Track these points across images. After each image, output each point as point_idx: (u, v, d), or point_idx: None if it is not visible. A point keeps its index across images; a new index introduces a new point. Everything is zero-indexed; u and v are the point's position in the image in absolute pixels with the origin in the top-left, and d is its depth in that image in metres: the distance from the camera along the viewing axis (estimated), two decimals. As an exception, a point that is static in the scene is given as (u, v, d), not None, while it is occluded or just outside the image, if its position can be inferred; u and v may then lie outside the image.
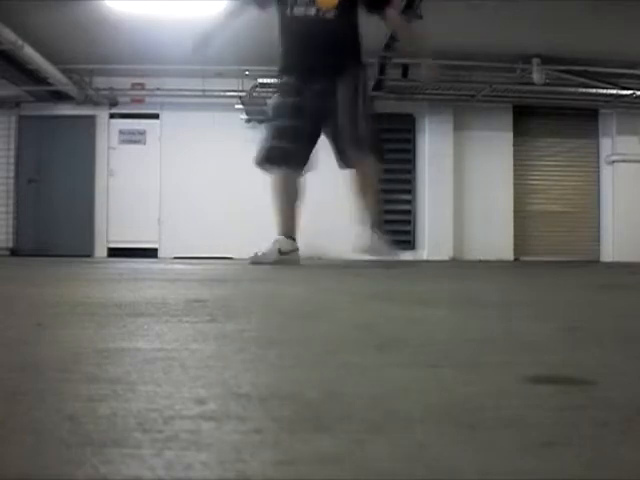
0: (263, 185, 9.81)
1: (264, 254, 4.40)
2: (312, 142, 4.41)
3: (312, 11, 4.23)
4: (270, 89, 8.72)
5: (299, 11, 4.26)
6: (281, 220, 4.55)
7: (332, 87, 4.28)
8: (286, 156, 4.33)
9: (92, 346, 0.88)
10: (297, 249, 4.55)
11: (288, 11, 4.30)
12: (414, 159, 9.64)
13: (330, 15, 4.25)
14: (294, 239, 4.54)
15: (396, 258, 4.48)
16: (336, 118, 4.28)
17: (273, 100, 4.55)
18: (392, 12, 4.46)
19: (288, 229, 4.51)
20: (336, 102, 4.28)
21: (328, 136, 4.43)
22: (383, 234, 4.51)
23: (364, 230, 4.48)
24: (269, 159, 4.40)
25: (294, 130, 4.29)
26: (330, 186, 9.47)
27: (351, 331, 1.09)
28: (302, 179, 4.53)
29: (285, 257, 4.40)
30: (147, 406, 0.55)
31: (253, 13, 4.62)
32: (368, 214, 4.50)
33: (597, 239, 10.04)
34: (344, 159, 4.43)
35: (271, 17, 4.58)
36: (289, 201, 4.54)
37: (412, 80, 8.75)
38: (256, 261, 4.36)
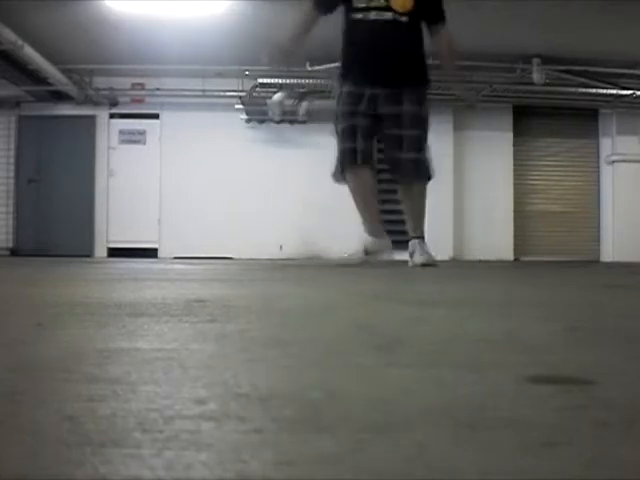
0: (263, 185, 9.83)
1: (350, 255, 4.36)
2: (370, 137, 4.35)
3: (388, 15, 4.13)
4: (270, 89, 8.74)
5: (374, 15, 4.15)
6: (365, 219, 4.44)
7: (398, 95, 4.21)
8: (351, 154, 4.27)
9: (92, 346, 0.88)
10: (385, 247, 4.48)
11: (359, 14, 4.18)
12: (414, 159, 9.64)
13: (404, 19, 4.17)
14: (380, 237, 4.44)
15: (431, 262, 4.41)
16: (398, 129, 4.23)
17: (340, 107, 4.41)
18: (445, 28, 4.39)
19: (373, 228, 4.41)
20: (401, 112, 4.22)
21: (386, 143, 4.39)
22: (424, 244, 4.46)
23: (413, 242, 4.43)
24: (341, 163, 4.34)
25: (353, 129, 4.24)
26: (334, 187, 9.49)
27: (351, 331, 1.09)
28: (375, 175, 4.46)
29: (370, 257, 4.33)
30: (147, 406, 0.55)
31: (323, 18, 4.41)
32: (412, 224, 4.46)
33: (597, 239, 10.04)
34: (396, 172, 4.38)
35: (334, 19, 4.42)
36: (369, 199, 4.45)
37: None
38: (342, 262, 4.34)
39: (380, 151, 4.73)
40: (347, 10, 4.22)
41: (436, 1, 4.33)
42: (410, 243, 4.45)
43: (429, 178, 4.43)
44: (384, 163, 4.49)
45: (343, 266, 4.24)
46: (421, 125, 4.33)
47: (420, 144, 4.31)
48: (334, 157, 4.43)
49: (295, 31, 4.44)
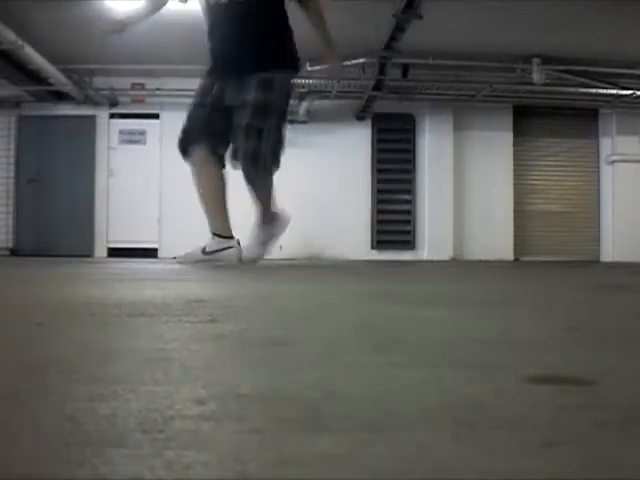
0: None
1: (188, 253, 4.29)
2: (222, 123, 4.20)
3: None
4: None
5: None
6: (210, 217, 4.40)
7: (240, 84, 4.06)
8: (198, 132, 4.20)
9: (92, 346, 0.88)
10: (228, 247, 4.33)
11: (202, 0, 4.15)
12: (414, 159, 9.65)
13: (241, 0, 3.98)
14: (226, 236, 4.35)
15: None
16: (239, 118, 4.08)
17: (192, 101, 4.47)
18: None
19: (218, 226, 4.32)
20: (242, 101, 4.07)
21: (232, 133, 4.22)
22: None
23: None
24: (183, 141, 4.27)
25: (201, 114, 4.28)
26: (333, 187, 9.51)
27: (351, 331, 1.09)
28: (224, 171, 4.38)
29: (208, 257, 4.22)
30: (147, 406, 0.55)
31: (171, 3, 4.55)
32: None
33: (597, 239, 10.04)
34: (239, 164, 4.30)
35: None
36: (216, 194, 4.40)
37: (412, 80, 8.75)
38: (180, 260, 4.29)
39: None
40: None
41: None
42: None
43: (269, 175, 4.36)
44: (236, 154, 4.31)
45: (181, 263, 4.20)
46: (265, 113, 4.09)
47: (260, 135, 4.11)
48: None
49: (140, 10, 4.61)
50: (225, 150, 4.27)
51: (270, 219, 4.35)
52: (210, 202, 4.28)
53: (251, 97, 4.04)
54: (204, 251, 4.20)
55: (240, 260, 4.24)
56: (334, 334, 1.04)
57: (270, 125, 4.11)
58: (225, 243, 4.30)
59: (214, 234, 4.27)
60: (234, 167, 4.32)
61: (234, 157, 4.25)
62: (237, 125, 4.11)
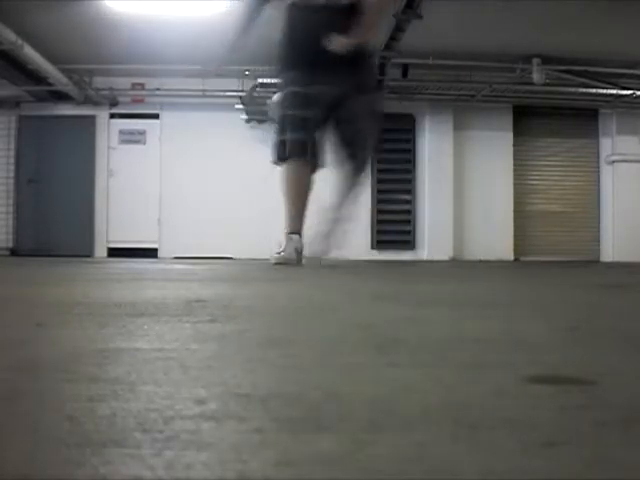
0: (262, 185, 9.82)
1: (285, 255, 4.18)
2: (323, 132, 4.24)
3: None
4: (270, 89, 8.73)
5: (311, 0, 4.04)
6: (296, 217, 4.28)
7: (347, 82, 4.09)
8: (303, 147, 4.13)
9: (92, 346, 0.88)
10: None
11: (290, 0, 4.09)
12: (414, 159, 9.65)
13: (343, 2, 4.04)
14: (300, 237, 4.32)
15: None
16: (350, 114, 4.13)
17: (280, 94, 4.29)
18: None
19: (300, 227, 4.28)
20: (352, 99, 4.12)
21: (335, 130, 4.26)
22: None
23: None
24: (288, 152, 4.18)
25: (308, 120, 4.10)
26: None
27: (351, 331, 1.09)
28: (314, 175, 4.32)
29: (301, 257, 4.23)
30: (147, 406, 0.55)
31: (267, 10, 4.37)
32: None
33: (597, 239, 10.04)
34: (345, 158, 4.26)
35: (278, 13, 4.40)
36: (303, 198, 4.28)
37: (412, 80, 8.75)
38: (279, 262, 4.16)
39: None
40: None
41: None
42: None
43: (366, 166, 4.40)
44: (334, 150, 4.34)
45: (280, 265, 4.15)
46: (374, 118, 4.24)
47: (371, 136, 4.25)
48: (276, 137, 4.30)
49: (238, 24, 4.47)
50: (320, 155, 4.29)
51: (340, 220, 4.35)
52: (296, 201, 4.26)
53: (359, 100, 4.14)
54: (297, 251, 4.18)
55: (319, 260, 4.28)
56: (334, 334, 1.04)
57: (374, 127, 4.29)
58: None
59: (299, 234, 4.23)
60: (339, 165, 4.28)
61: (352, 156, 4.23)
62: (346, 126, 4.17)
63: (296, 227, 4.23)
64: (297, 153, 4.15)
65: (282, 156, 4.22)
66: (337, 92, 4.11)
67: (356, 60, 4.13)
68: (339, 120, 4.20)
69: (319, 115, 4.14)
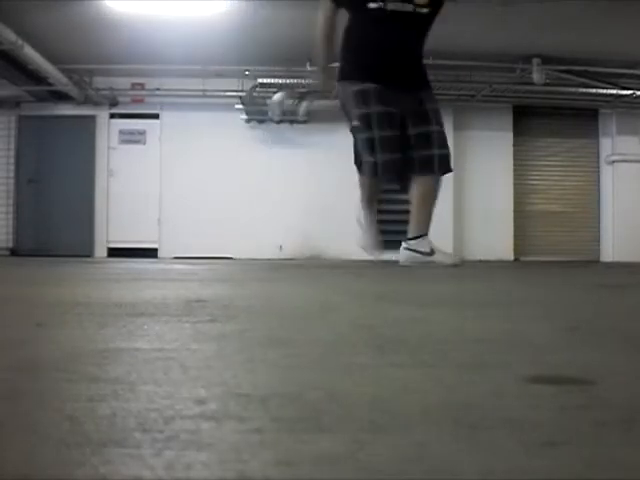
0: (263, 185, 9.81)
1: (440, 255, 4.25)
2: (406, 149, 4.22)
3: (409, 7, 3.89)
4: (270, 89, 8.74)
5: (394, 6, 3.87)
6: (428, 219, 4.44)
7: (417, 93, 4.12)
8: (392, 167, 4.14)
9: (92, 346, 0.88)
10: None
11: (375, 5, 3.88)
12: (414, 159, 9.64)
13: (424, 11, 3.95)
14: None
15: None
16: (425, 126, 4.16)
17: (356, 109, 4.08)
18: None
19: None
20: (424, 110, 4.16)
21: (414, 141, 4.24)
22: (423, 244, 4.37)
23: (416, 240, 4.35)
24: (385, 173, 4.18)
25: (395, 140, 4.08)
26: (333, 187, 9.50)
27: (351, 331, 1.09)
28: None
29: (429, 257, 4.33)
30: (147, 406, 0.55)
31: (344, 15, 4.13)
32: (425, 222, 4.39)
33: (597, 239, 10.04)
34: (412, 171, 4.28)
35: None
36: (374, 202, 4.47)
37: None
38: (430, 262, 4.21)
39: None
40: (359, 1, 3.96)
41: None
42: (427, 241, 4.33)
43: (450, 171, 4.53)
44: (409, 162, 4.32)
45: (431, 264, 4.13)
46: (442, 122, 4.41)
47: (445, 137, 4.41)
48: (365, 153, 4.17)
49: (322, 38, 4.13)
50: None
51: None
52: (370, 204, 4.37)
53: (430, 106, 4.23)
54: (426, 253, 4.22)
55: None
56: (334, 334, 1.04)
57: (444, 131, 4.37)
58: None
59: (426, 235, 4.32)
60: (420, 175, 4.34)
61: (432, 170, 4.32)
62: (421, 133, 4.20)
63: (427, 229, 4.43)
64: (389, 173, 4.20)
65: (373, 175, 4.18)
66: (410, 108, 4.11)
67: (423, 72, 4.20)
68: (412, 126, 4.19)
69: (401, 132, 4.14)
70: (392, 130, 4.09)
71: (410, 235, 4.34)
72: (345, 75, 4.12)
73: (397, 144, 4.11)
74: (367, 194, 4.39)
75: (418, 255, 4.27)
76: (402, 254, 4.33)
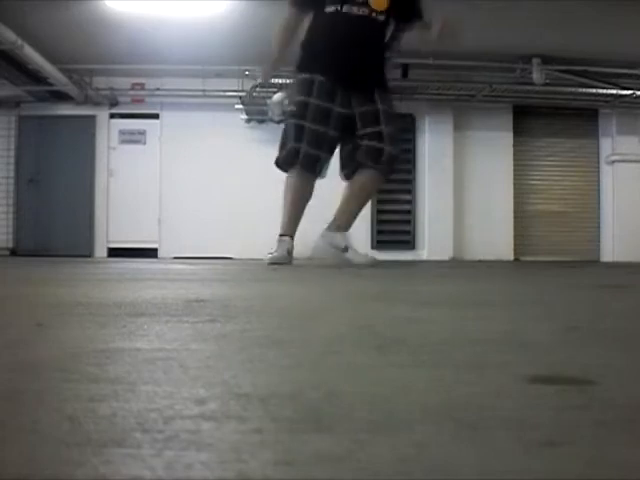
0: (263, 185, 9.83)
1: (275, 256, 4.29)
2: (334, 149, 4.34)
3: (364, 11, 4.05)
4: (270, 89, 8.74)
5: (349, 9, 4.05)
6: (291, 221, 4.44)
7: (370, 94, 4.15)
8: (313, 162, 4.21)
9: (92, 346, 0.88)
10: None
11: (333, 8, 4.08)
12: (414, 159, 9.65)
13: (381, 18, 4.10)
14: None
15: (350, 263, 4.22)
16: (375, 126, 4.17)
17: (297, 96, 4.23)
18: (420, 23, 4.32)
19: (293, 231, 4.45)
20: (377, 110, 4.16)
21: (347, 144, 4.33)
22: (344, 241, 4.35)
23: (332, 232, 4.34)
24: (294, 163, 4.23)
25: (323, 136, 4.15)
26: (333, 187, 9.49)
27: (351, 331, 1.09)
28: (314, 183, 4.45)
29: (292, 258, 4.39)
30: (147, 406, 0.55)
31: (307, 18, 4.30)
32: (348, 219, 4.38)
33: (597, 239, 10.04)
34: (351, 169, 4.35)
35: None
36: (302, 204, 4.44)
37: (412, 80, 8.75)
38: (273, 261, 4.26)
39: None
40: (320, 3, 4.14)
41: (410, 0, 4.26)
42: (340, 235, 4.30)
43: (387, 175, 4.49)
44: (342, 161, 4.44)
45: (274, 264, 4.15)
46: (395, 122, 4.32)
47: (397, 139, 4.34)
48: (286, 140, 4.27)
49: (278, 40, 4.39)
50: (325, 169, 4.40)
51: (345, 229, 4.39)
52: (294, 206, 4.40)
53: (383, 107, 4.19)
54: (288, 252, 4.24)
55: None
56: (334, 334, 1.04)
57: (397, 131, 4.38)
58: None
59: (292, 237, 4.40)
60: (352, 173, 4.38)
61: (377, 161, 4.27)
62: (373, 132, 4.20)
63: (289, 230, 4.40)
64: (308, 167, 4.22)
65: (291, 162, 4.23)
66: (360, 108, 4.14)
67: (380, 75, 4.22)
68: (358, 134, 4.23)
69: (336, 134, 4.19)
70: (324, 127, 4.15)
71: (332, 227, 4.33)
72: (298, 66, 4.29)
73: (325, 142, 4.17)
74: (299, 197, 4.37)
75: (332, 250, 4.28)
76: (316, 243, 4.34)
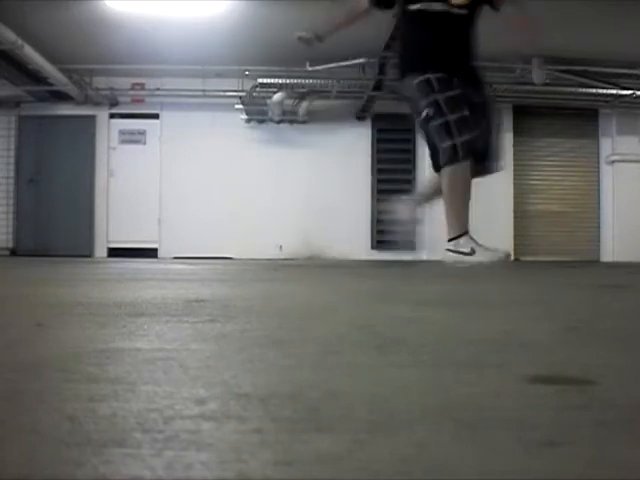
0: (263, 185, 9.80)
1: (490, 253, 4.10)
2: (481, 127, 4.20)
3: (445, 6, 4.10)
4: (270, 89, 8.74)
5: (436, 6, 4.07)
6: (467, 216, 4.32)
7: (476, 88, 4.19)
8: (472, 148, 4.09)
9: (92, 346, 0.88)
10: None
11: (418, 6, 4.06)
12: (414, 159, 9.64)
13: (463, 12, 4.15)
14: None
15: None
16: (483, 119, 4.18)
17: (424, 98, 4.10)
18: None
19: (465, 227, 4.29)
20: (485, 101, 4.20)
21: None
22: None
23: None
24: (465, 155, 4.10)
25: (467, 120, 4.05)
26: (333, 187, 9.51)
27: (351, 331, 1.09)
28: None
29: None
30: (147, 406, 0.55)
31: (374, 15, 4.28)
32: (449, 221, 4.34)
33: (597, 239, 10.04)
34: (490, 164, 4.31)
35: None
36: (469, 198, 4.37)
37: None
38: (492, 259, 4.06)
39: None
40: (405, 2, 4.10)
41: None
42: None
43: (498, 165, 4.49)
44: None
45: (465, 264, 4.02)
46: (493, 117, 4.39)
47: (493, 132, 4.38)
48: (442, 141, 4.09)
49: (338, 20, 4.33)
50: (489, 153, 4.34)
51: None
52: (465, 202, 4.25)
53: (487, 100, 4.24)
54: (466, 253, 4.13)
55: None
56: (334, 334, 1.04)
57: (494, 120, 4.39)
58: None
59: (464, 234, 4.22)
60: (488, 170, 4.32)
61: (487, 157, 4.25)
62: (486, 125, 4.20)
63: (467, 225, 4.29)
64: (467, 155, 4.11)
65: (453, 159, 4.09)
66: (475, 97, 4.15)
67: (475, 68, 4.28)
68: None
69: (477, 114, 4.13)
70: (464, 111, 4.06)
71: (448, 236, 4.25)
72: (406, 70, 4.18)
73: (472, 123, 4.08)
74: (467, 190, 4.33)
75: (459, 256, 4.16)
76: (444, 256, 4.25)
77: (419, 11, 4.07)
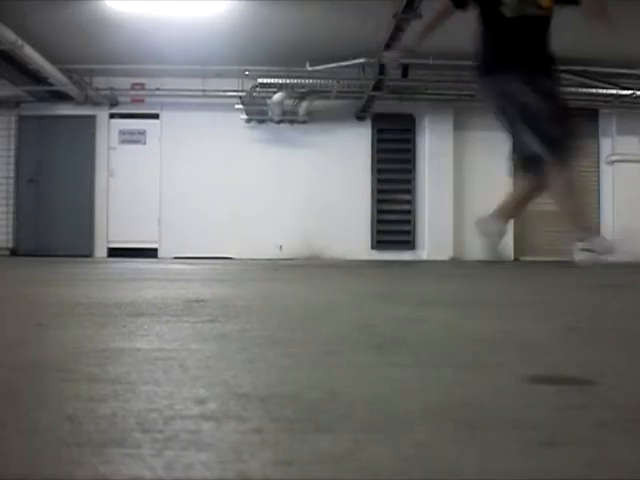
0: (263, 185, 9.80)
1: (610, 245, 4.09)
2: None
3: (534, 11, 4.11)
4: (270, 89, 8.74)
5: (531, 11, 4.10)
6: (584, 217, 4.21)
7: (552, 89, 4.12)
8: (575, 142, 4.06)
9: (92, 346, 0.88)
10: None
11: (506, 9, 4.07)
12: (414, 159, 9.65)
13: (547, 13, 4.17)
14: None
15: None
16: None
17: (526, 97, 4.02)
18: None
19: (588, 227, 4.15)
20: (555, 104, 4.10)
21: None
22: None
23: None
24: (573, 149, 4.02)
25: (564, 113, 4.05)
26: (333, 187, 9.51)
27: (351, 331, 1.09)
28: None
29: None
30: (147, 406, 0.55)
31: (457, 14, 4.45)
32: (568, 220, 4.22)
33: (597, 239, 10.03)
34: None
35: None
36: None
37: (412, 80, 8.75)
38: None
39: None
40: (490, 4, 4.14)
41: None
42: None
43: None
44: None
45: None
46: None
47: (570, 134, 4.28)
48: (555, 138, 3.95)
49: (430, 19, 4.40)
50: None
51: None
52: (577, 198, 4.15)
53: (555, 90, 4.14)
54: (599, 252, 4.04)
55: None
56: (334, 334, 1.04)
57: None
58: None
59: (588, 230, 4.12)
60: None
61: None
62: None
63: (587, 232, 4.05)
64: (574, 151, 4.04)
65: (564, 157, 4.05)
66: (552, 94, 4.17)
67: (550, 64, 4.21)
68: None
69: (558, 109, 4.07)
70: (550, 103, 4.08)
71: (578, 235, 4.14)
72: (484, 72, 4.22)
73: (561, 116, 4.08)
74: (535, 189, 4.19)
75: (592, 254, 4.05)
76: (578, 257, 4.13)
77: (502, 14, 4.09)
